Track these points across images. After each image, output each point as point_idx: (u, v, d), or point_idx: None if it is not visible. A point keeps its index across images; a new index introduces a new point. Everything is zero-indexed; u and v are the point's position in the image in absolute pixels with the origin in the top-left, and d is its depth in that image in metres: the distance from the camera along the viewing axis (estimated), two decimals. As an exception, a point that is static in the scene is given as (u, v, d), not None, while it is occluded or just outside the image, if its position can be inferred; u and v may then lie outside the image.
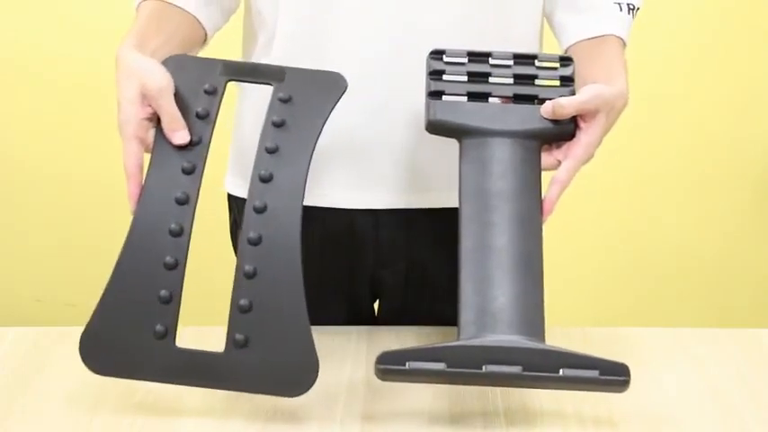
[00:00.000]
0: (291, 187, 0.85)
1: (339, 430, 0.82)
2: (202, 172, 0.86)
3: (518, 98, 0.91)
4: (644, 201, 2.23)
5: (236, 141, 1.11)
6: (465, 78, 0.92)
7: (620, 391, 0.79)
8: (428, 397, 0.86)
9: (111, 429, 0.82)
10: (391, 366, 0.78)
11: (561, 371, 0.77)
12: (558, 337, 0.97)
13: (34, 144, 2.19)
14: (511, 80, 0.92)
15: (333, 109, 0.89)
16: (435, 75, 0.92)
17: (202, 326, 0.99)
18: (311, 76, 0.91)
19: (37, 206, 2.23)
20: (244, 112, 1.09)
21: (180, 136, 0.86)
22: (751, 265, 2.28)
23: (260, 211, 0.84)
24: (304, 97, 0.89)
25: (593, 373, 0.77)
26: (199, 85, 0.89)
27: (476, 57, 0.92)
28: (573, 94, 0.91)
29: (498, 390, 0.87)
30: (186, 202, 0.84)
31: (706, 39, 2.12)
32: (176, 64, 0.89)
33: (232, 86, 1.12)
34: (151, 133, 0.87)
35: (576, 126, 0.90)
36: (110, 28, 2.10)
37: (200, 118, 0.88)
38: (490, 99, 0.91)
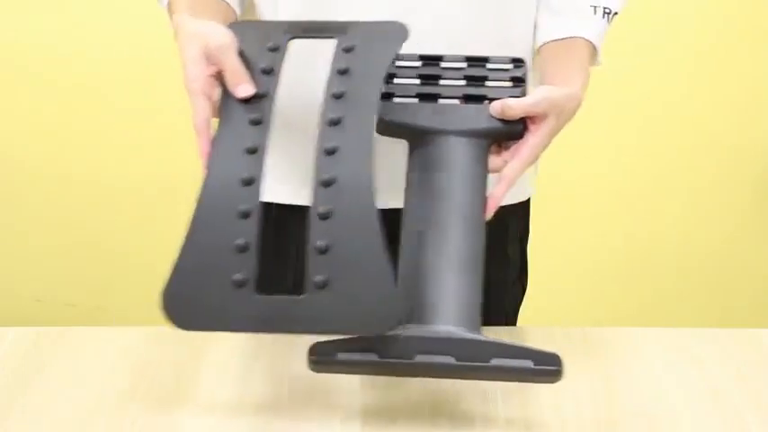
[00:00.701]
0: (361, 129, 0.85)
1: (339, 430, 0.82)
2: (270, 123, 0.86)
3: (468, 99, 0.92)
4: (644, 201, 2.23)
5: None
6: (417, 81, 0.93)
7: (553, 382, 0.78)
8: (428, 397, 0.86)
9: (111, 429, 0.82)
10: (323, 357, 0.78)
11: (493, 361, 0.77)
12: (558, 337, 0.97)
13: (34, 144, 2.19)
14: (462, 82, 0.93)
15: (396, 54, 0.90)
16: (386, 78, 0.93)
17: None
18: (373, 26, 0.92)
19: (37, 206, 2.23)
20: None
21: (243, 89, 0.86)
22: (751, 265, 2.28)
23: (331, 152, 0.84)
24: (367, 45, 0.90)
25: (527, 363, 0.77)
26: (262, 45, 0.90)
27: (428, 60, 0.94)
28: (524, 94, 0.92)
29: (498, 390, 0.87)
30: (256, 151, 0.84)
31: (707, 39, 2.12)
32: (239, 27, 0.91)
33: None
34: (217, 92, 0.87)
35: (525, 127, 0.91)
36: (110, 28, 2.11)
37: (266, 73, 0.88)
38: (442, 101, 0.92)
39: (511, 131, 0.90)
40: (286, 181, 1.04)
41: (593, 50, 1.00)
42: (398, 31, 0.91)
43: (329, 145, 0.84)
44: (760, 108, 2.17)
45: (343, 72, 0.89)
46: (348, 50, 0.90)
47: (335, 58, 0.90)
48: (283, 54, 0.90)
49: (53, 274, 2.27)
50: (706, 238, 2.26)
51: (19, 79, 2.15)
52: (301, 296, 0.79)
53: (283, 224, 1.08)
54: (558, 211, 2.15)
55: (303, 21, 0.94)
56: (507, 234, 1.13)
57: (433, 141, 0.90)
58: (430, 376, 0.83)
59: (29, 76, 2.14)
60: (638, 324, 1.05)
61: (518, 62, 0.95)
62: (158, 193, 2.21)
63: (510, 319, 1.17)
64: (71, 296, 2.27)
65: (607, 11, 1.00)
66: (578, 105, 0.93)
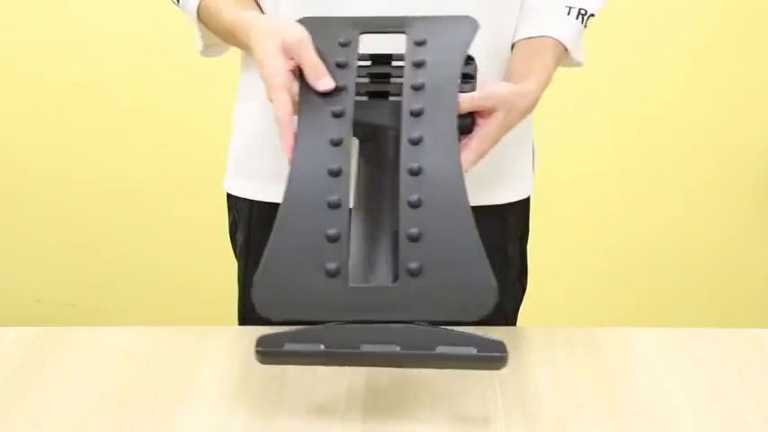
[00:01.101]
0: (444, 119, 0.87)
1: (339, 430, 0.82)
2: (352, 115, 0.87)
3: None
4: (644, 201, 2.23)
5: (235, 142, 1.11)
6: (367, 80, 0.94)
7: (498, 368, 0.78)
8: (428, 397, 0.86)
9: (111, 429, 0.82)
10: (270, 349, 0.78)
11: (438, 348, 0.77)
12: (559, 337, 0.97)
13: (34, 144, 2.19)
14: None
15: (469, 44, 0.91)
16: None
17: (203, 325, 0.99)
18: (442, 20, 0.93)
19: (37, 206, 2.23)
20: (243, 114, 1.09)
21: (324, 82, 0.87)
22: (751, 265, 2.28)
23: (416, 142, 0.85)
24: (438, 38, 0.92)
25: (471, 351, 0.77)
26: (333, 40, 0.91)
27: (378, 59, 0.95)
28: (473, 90, 0.93)
29: (498, 389, 0.87)
30: (341, 143, 0.85)
31: (706, 39, 2.12)
32: (309, 23, 0.91)
33: (231, 87, 1.13)
34: (295, 86, 0.88)
35: (474, 121, 0.92)
36: (110, 28, 2.11)
37: (341, 67, 0.90)
38: (392, 98, 0.93)
39: (459, 125, 0.91)
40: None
41: (564, 50, 1.00)
42: (469, 24, 0.92)
43: (414, 135, 0.86)
44: (760, 108, 2.17)
45: (419, 65, 0.90)
46: (420, 44, 0.91)
47: (409, 52, 0.91)
48: (356, 49, 0.91)
49: (53, 274, 2.27)
50: (706, 238, 2.26)
51: (19, 79, 2.15)
52: (395, 285, 0.80)
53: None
54: (557, 210, 2.16)
55: (369, 16, 0.95)
56: (507, 234, 1.13)
57: (382, 137, 0.91)
58: (376, 365, 0.83)
59: (29, 77, 2.15)
60: (638, 324, 1.05)
61: (468, 59, 0.96)
62: (158, 193, 2.21)
63: (510, 319, 1.17)
64: (71, 296, 2.27)
65: (582, 12, 1.01)
66: (531, 103, 0.95)
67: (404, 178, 0.84)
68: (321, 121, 0.87)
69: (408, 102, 0.88)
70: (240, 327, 1.03)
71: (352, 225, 0.87)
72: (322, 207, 0.82)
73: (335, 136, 0.86)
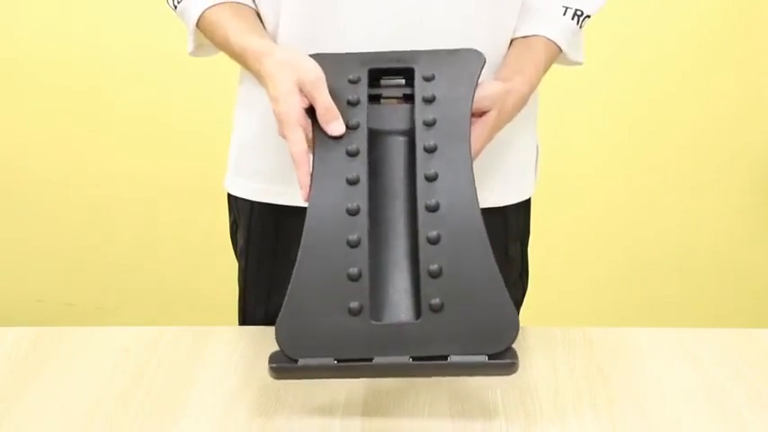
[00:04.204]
0: (458, 155, 0.87)
1: (339, 430, 0.82)
2: (367, 153, 0.88)
3: (408, 98, 0.93)
4: (644, 201, 2.23)
5: (236, 142, 1.11)
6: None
7: (509, 374, 0.79)
8: (428, 397, 0.86)
9: (111, 429, 0.82)
10: (283, 364, 0.79)
11: (450, 358, 0.78)
12: (558, 337, 0.97)
13: (34, 145, 2.19)
14: (402, 81, 0.94)
15: (478, 78, 0.92)
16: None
17: (203, 325, 0.99)
18: (446, 53, 0.94)
19: (38, 207, 2.23)
20: (245, 113, 1.09)
21: (335, 126, 0.88)
22: (751, 265, 2.28)
23: (432, 179, 0.86)
24: (446, 73, 0.92)
25: (481, 359, 0.78)
26: (343, 77, 0.92)
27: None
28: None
29: (498, 389, 0.87)
30: (357, 182, 0.86)
31: (706, 39, 2.12)
32: (319, 59, 0.91)
33: (230, 87, 1.13)
34: (309, 123, 0.89)
35: None
36: (109, 29, 2.11)
37: (352, 105, 0.90)
38: (384, 101, 0.94)
39: None
40: (286, 183, 1.04)
41: (558, 50, 1.01)
42: (476, 57, 0.93)
43: (429, 171, 0.86)
44: (760, 108, 2.17)
45: (429, 100, 0.90)
46: (428, 79, 0.92)
47: (418, 87, 0.91)
48: (365, 85, 0.92)
49: (53, 275, 2.27)
50: (706, 238, 2.26)
51: (20, 81, 2.15)
52: (417, 321, 0.80)
53: (282, 226, 1.08)
54: (558, 211, 2.15)
55: (377, 52, 0.95)
56: (508, 234, 1.13)
57: (378, 142, 0.91)
58: (389, 376, 0.84)
59: (30, 79, 2.15)
60: (638, 324, 1.05)
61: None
62: (158, 194, 2.21)
63: (510, 319, 1.17)
64: (71, 296, 2.27)
65: (579, 13, 1.02)
66: (521, 100, 0.96)
67: (421, 214, 0.84)
68: (336, 160, 0.87)
69: (421, 138, 0.88)
70: (240, 327, 1.03)
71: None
72: (342, 246, 0.83)
73: (351, 175, 0.86)
